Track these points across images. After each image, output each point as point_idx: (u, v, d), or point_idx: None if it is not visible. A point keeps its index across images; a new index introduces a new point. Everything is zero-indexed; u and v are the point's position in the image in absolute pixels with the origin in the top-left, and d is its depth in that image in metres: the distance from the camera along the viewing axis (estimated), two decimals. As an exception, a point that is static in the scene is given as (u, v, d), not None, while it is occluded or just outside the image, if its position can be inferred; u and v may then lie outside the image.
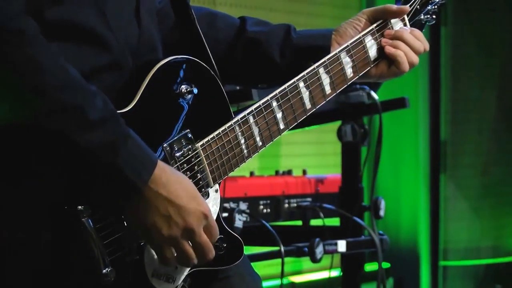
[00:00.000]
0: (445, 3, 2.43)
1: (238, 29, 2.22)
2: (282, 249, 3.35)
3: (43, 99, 1.63)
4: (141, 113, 1.84)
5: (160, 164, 1.76)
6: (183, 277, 1.95)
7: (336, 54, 2.16)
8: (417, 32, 2.26)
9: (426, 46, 2.26)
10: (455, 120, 6.00)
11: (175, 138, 1.89)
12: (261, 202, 3.55)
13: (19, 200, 1.68)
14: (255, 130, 2.03)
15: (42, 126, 1.64)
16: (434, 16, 2.40)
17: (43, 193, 1.69)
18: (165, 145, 1.87)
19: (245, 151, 2.02)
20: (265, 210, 3.56)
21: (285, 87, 2.07)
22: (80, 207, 1.70)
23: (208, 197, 1.97)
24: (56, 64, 1.65)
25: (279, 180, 3.69)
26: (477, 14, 6.07)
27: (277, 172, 3.82)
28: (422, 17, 2.37)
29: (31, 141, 1.66)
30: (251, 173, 3.76)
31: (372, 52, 2.22)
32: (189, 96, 1.93)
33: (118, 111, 1.77)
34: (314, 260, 3.39)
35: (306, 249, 3.40)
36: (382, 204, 3.77)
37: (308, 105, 2.13)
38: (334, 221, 3.84)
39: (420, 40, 2.24)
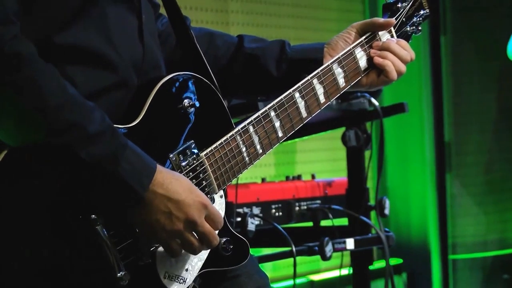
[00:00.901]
0: (429, 15, 2.43)
1: (236, 46, 2.23)
2: (294, 249, 3.36)
3: (44, 118, 1.64)
4: (147, 127, 1.86)
5: (158, 167, 1.78)
6: (193, 278, 1.96)
7: (328, 65, 2.17)
8: (403, 42, 2.27)
9: (413, 55, 2.26)
10: (458, 122, 5.99)
11: (180, 148, 1.91)
12: (273, 206, 3.56)
13: (37, 214, 1.69)
14: (255, 139, 2.04)
15: (46, 143, 1.66)
16: (419, 28, 2.41)
17: (59, 205, 1.71)
18: (171, 155, 1.89)
19: (247, 158, 2.03)
20: (277, 214, 3.56)
21: (281, 98, 2.09)
22: (93, 216, 1.72)
23: (213, 203, 1.98)
24: (55, 83, 1.66)
25: (289, 185, 3.70)
26: (474, 23, 6.05)
27: (287, 178, 3.82)
28: (408, 28, 2.38)
29: (40, 157, 1.68)
30: (263, 180, 3.77)
31: (362, 63, 2.22)
32: (192, 109, 1.94)
33: (125, 126, 1.79)
34: (324, 258, 3.40)
35: (316, 248, 3.41)
36: (387, 203, 3.77)
37: (304, 113, 2.14)
38: (343, 221, 3.83)
39: (406, 50, 2.24)
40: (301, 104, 2.13)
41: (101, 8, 1.83)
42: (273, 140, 2.09)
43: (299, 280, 5.03)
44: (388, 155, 5.93)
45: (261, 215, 3.46)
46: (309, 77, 2.14)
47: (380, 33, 2.29)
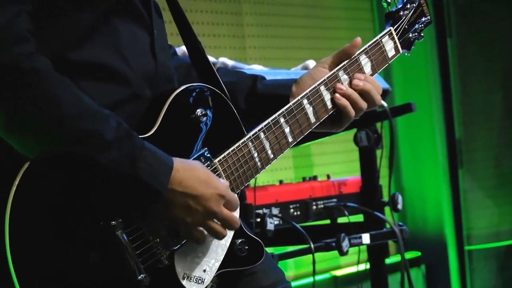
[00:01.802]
0: (431, 22, 2.41)
1: None
2: (312, 245, 3.35)
3: (63, 128, 1.64)
4: (162, 137, 1.85)
5: (175, 165, 1.77)
6: (211, 278, 1.95)
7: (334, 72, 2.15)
8: (369, 79, 2.21)
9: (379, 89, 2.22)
10: (467, 120, 5.97)
11: (195, 156, 1.91)
12: (291, 206, 3.55)
13: (59, 221, 1.69)
14: (266, 144, 2.04)
15: (68, 153, 1.66)
16: (421, 34, 2.39)
17: (80, 212, 1.70)
18: None
19: (259, 163, 2.03)
20: (295, 213, 3.55)
21: (290, 105, 2.09)
22: (113, 222, 1.72)
23: None
24: (71, 95, 1.66)
25: (306, 186, 3.69)
26: (478, 25, 6.04)
27: (304, 179, 3.81)
28: (410, 35, 2.35)
29: (61, 167, 1.68)
30: (281, 182, 3.77)
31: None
32: (204, 118, 1.94)
33: (141, 136, 1.78)
34: (341, 253, 3.39)
35: (333, 244, 3.40)
36: (399, 199, 3.75)
37: (312, 119, 2.13)
38: (358, 218, 3.81)
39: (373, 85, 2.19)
40: (309, 110, 2.12)
41: (113, 25, 1.83)
42: (284, 145, 2.08)
43: (322, 276, 5.04)
44: (402, 154, 5.93)
45: (280, 215, 3.45)
46: (316, 84, 2.13)
47: (383, 40, 2.27)
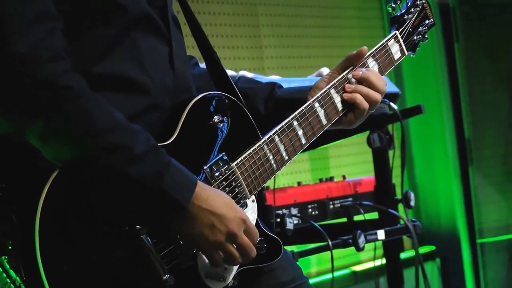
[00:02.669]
0: (434, 24, 2.40)
1: None
2: (330, 243, 3.33)
3: (96, 142, 1.64)
4: (182, 143, 1.85)
5: (200, 183, 1.77)
6: (232, 276, 1.94)
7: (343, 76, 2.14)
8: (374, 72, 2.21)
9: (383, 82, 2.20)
10: (475, 120, 5.96)
11: (213, 161, 1.90)
12: (309, 206, 3.54)
13: (87, 226, 1.69)
14: (281, 147, 2.03)
15: (98, 164, 1.65)
16: (426, 36, 2.37)
17: (108, 218, 1.70)
18: (205, 167, 1.88)
19: (274, 165, 2.02)
20: (313, 213, 3.54)
21: (303, 108, 2.08)
22: (138, 226, 1.71)
23: (246, 207, 1.97)
24: (103, 111, 1.67)
25: (323, 186, 3.67)
26: (483, 29, 6.04)
27: (320, 180, 3.80)
28: (415, 37, 2.34)
29: (91, 175, 1.67)
30: (299, 183, 3.76)
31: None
32: (221, 124, 1.93)
33: (162, 143, 1.78)
34: (358, 248, 3.37)
35: (350, 240, 3.38)
36: (412, 196, 3.72)
37: (324, 121, 2.12)
38: (373, 215, 3.80)
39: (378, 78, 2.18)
40: (320, 112, 2.11)
41: (133, 39, 1.83)
42: (297, 147, 2.07)
43: (342, 272, 5.03)
44: (415, 153, 5.92)
45: (299, 215, 3.45)
46: (326, 88, 2.12)
47: (389, 43, 2.26)
